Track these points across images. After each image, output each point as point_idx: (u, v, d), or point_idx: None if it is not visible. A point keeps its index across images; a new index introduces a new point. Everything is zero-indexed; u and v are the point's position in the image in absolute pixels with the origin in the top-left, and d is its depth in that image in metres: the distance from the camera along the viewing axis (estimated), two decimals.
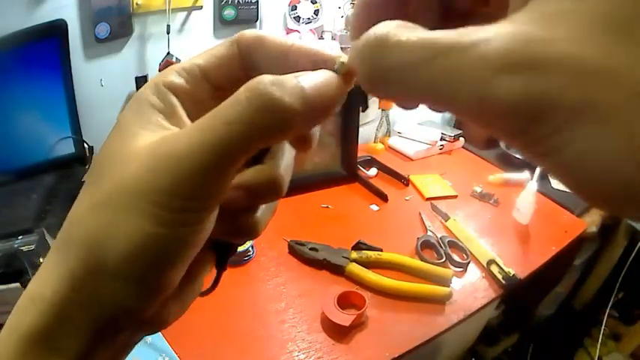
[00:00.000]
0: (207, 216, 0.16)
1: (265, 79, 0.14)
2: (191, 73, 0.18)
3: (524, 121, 0.11)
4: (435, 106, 0.14)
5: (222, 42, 0.19)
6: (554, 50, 0.11)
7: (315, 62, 0.17)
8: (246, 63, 0.19)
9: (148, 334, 0.20)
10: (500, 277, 0.71)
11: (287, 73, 0.15)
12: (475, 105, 0.12)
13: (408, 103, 0.15)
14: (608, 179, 0.11)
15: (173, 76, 0.18)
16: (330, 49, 0.17)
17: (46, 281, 0.16)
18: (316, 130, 0.18)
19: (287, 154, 0.19)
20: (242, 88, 0.15)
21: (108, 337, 0.17)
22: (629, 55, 0.10)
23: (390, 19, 0.14)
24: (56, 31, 0.83)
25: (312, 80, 0.15)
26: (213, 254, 0.21)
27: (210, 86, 0.18)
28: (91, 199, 0.16)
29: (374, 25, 0.14)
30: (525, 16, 0.12)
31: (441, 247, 0.78)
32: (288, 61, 0.18)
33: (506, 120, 0.12)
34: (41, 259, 0.60)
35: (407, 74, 0.13)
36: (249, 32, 0.19)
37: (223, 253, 0.21)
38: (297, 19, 1.08)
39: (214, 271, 0.22)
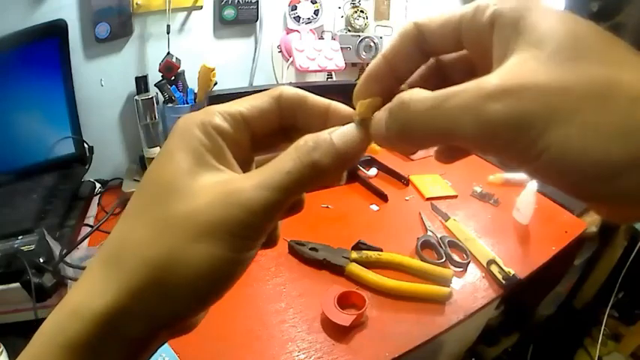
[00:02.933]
0: (261, 241, 0.20)
1: (309, 144, 0.19)
2: (235, 118, 0.21)
3: (512, 134, 0.16)
4: (445, 139, 0.18)
5: (262, 94, 0.22)
6: (524, 81, 0.16)
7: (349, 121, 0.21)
8: (285, 117, 0.22)
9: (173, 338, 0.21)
10: (500, 277, 0.71)
11: (324, 128, 0.20)
12: (476, 128, 0.16)
13: (424, 145, 0.19)
14: (581, 164, 0.15)
15: (218, 118, 0.20)
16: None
17: (93, 294, 0.18)
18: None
19: None
20: (293, 149, 0.19)
21: (150, 344, 0.19)
22: (574, 75, 0.15)
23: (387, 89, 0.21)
24: (56, 31, 0.83)
25: (342, 138, 0.19)
26: None
27: (248, 132, 0.21)
28: (156, 224, 0.18)
29: (372, 90, 0.21)
30: (504, 66, 0.17)
31: (441, 247, 0.78)
32: (328, 120, 0.22)
33: (499, 136, 0.16)
34: (41, 259, 0.60)
35: (426, 117, 0.17)
36: (290, 91, 0.22)
37: None
38: (297, 19, 1.08)
39: None
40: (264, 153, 0.23)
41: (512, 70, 0.16)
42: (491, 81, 0.16)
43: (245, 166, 0.22)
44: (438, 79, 0.22)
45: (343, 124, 0.20)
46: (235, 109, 0.21)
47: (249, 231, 0.18)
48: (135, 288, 0.17)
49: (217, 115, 0.20)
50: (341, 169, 0.19)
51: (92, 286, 0.18)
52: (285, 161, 0.19)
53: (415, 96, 0.18)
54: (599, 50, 0.16)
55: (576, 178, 0.15)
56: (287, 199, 0.18)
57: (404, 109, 0.18)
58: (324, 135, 0.19)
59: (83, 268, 0.65)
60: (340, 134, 0.19)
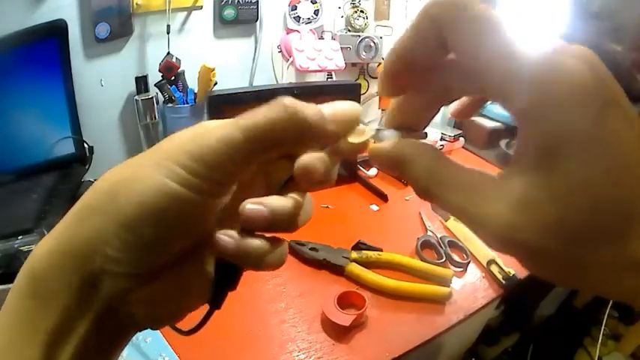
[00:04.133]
0: (219, 192, 0.19)
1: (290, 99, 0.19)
2: None
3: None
4: None
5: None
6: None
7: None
8: None
9: (138, 330, 0.20)
10: (500, 277, 0.71)
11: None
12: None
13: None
14: None
15: None
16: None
17: (40, 246, 0.18)
18: (335, 172, 0.22)
19: (308, 199, 0.22)
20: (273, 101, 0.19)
21: (95, 300, 0.18)
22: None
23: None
24: (56, 31, 0.83)
25: (331, 106, 0.20)
26: (209, 277, 0.21)
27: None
28: (135, 157, 0.19)
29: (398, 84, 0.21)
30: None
31: (441, 247, 0.78)
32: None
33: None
34: None
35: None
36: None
37: (224, 283, 0.21)
38: (297, 19, 1.08)
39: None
40: None
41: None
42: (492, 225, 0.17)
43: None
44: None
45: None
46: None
47: (201, 167, 0.17)
48: (81, 212, 0.18)
49: None
50: (319, 132, 0.19)
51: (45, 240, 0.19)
52: (259, 108, 0.19)
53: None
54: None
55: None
56: (250, 140, 0.18)
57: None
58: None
59: None
60: (330, 105, 0.21)
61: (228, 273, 0.21)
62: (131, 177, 0.18)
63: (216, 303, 0.22)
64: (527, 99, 0.15)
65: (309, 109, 0.19)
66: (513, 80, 0.16)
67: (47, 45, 0.83)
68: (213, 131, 0.18)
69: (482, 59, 0.17)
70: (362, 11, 1.15)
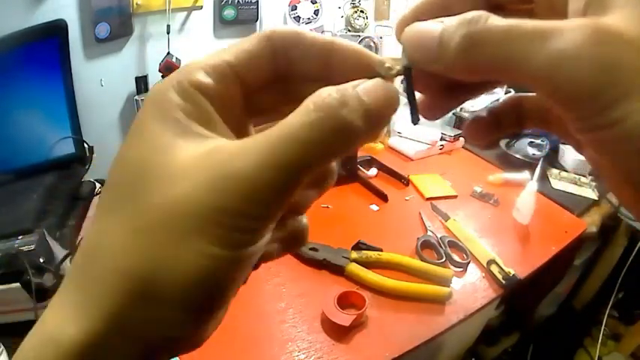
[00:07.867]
0: (267, 234, 0.15)
1: (333, 99, 0.14)
2: (220, 71, 0.16)
3: (595, 86, 0.13)
4: (515, 70, 0.14)
5: (249, 37, 0.17)
6: (619, 30, 0.13)
7: (359, 64, 0.17)
8: (279, 60, 0.17)
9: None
10: (500, 277, 0.71)
11: (329, 74, 0.17)
12: (549, 62, 0.13)
13: (487, 70, 0.15)
14: None
15: (200, 74, 0.15)
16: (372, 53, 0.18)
17: (66, 319, 0.14)
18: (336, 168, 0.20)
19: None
20: (310, 105, 0.14)
21: None
22: None
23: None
24: (56, 31, 0.83)
25: (373, 95, 0.15)
26: None
27: (239, 87, 0.17)
28: (129, 223, 0.14)
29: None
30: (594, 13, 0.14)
31: (441, 247, 0.78)
32: (331, 61, 0.17)
33: (576, 87, 0.13)
34: (41, 259, 0.60)
35: (502, 37, 0.14)
36: (284, 28, 0.17)
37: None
38: (297, 19, 1.08)
39: None
40: (261, 117, 0.19)
41: (602, 16, 0.14)
42: (581, 20, 0.14)
43: (240, 134, 0.17)
44: None
45: (354, 69, 0.17)
46: (220, 59, 0.16)
47: (247, 221, 0.14)
48: (112, 311, 0.14)
49: (197, 70, 0.16)
50: (369, 135, 0.15)
51: (64, 308, 0.15)
52: (298, 124, 0.14)
53: (492, 16, 0.15)
54: None
55: None
56: (302, 177, 0.14)
57: (480, 23, 0.15)
58: (352, 93, 0.14)
59: None
60: (371, 90, 0.15)
61: None
62: (161, 261, 0.14)
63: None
64: None
65: (359, 120, 0.14)
66: None
67: (47, 45, 0.83)
68: (251, 175, 0.13)
69: None
70: (362, 11, 1.15)
